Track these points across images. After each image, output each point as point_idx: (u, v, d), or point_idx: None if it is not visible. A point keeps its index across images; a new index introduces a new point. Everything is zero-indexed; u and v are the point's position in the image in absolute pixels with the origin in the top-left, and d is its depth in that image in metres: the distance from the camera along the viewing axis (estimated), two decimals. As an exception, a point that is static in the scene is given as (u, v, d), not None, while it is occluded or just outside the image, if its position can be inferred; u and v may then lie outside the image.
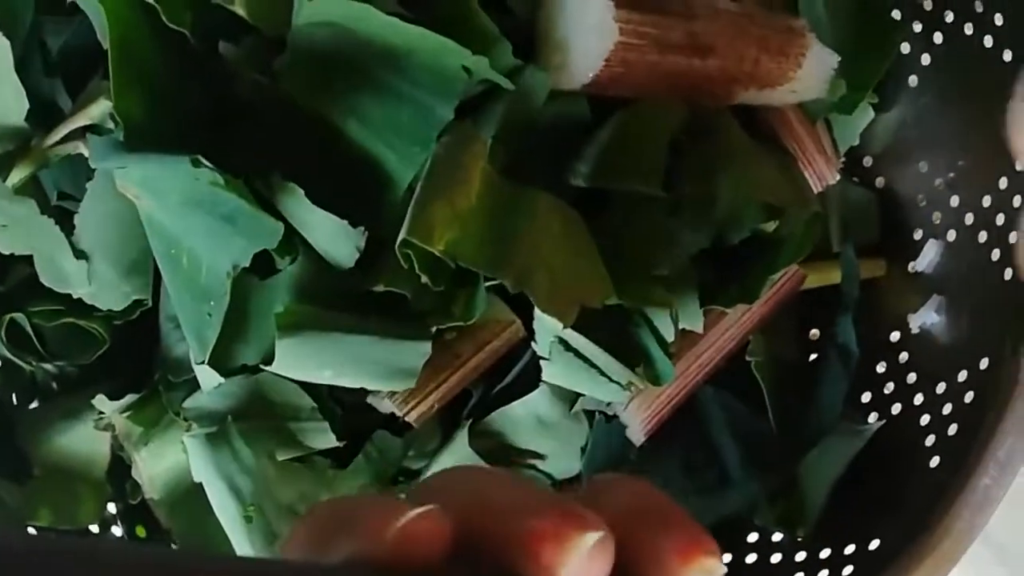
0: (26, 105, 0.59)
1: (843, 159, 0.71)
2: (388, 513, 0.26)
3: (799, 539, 0.67)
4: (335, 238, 0.56)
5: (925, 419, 0.66)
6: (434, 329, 0.59)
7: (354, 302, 0.59)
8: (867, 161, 0.73)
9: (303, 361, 0.57)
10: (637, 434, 0.66)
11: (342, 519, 0.27)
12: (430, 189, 0.55)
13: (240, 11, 0.56)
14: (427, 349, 0.58)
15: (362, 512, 0.27)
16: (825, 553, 0.65)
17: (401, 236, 0.53)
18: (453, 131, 0.56)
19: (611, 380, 0.61)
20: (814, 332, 0.74)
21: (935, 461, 0.63)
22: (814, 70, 0.63)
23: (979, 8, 0.63)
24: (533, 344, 0.61)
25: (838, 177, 0.68)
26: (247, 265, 0.54)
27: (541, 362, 0.61)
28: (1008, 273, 0.62)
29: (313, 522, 0.28)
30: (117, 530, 0.69)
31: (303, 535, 0.28)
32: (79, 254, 0.61)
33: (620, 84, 0.58)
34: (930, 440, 0.64)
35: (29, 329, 0.64)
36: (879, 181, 0.72)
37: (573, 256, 0.58)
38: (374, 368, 0.58)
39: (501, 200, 0.58)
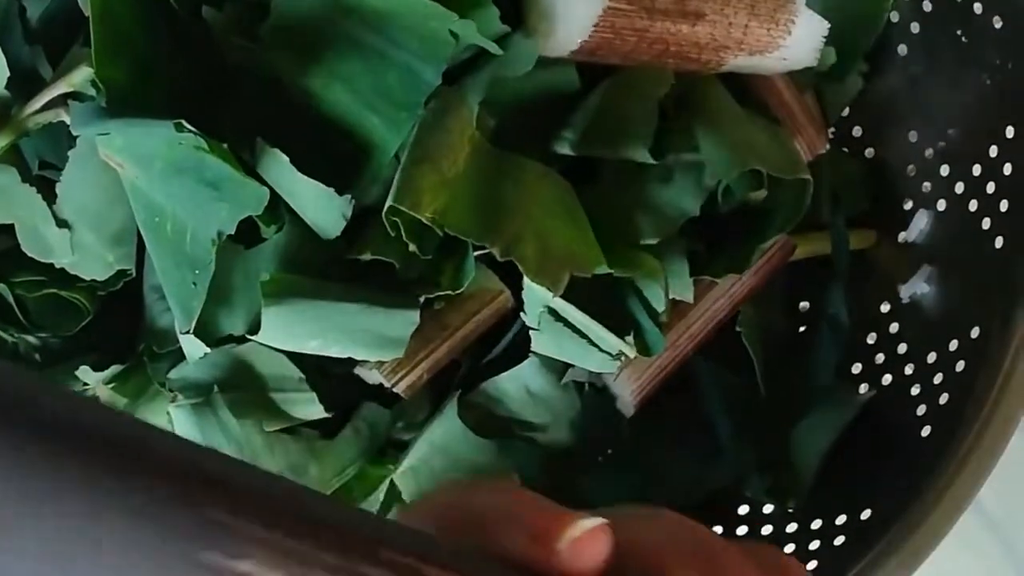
0: (6, 73, 0.58)
1: (833, 129, 0.70)
2: (557, 519, 0.24)
3: (790, 510, 0.67)
4: (321, 206, 0.56)
5: (916, 389, 0.65)
6: (422, 299, 0.59)
7: (340, 271, 0.58)
8: (857, 131, 0.73)
9: (289, 330, 0.57)
10: (628, 405, 0.66)
11: (487, 512, 0.26)
12: (417, 155, 0.54)
13: (222, -25, 0.55)
14: (415, 318, 0.58)
15: (521, 510, 0.25)
16: (816, 524, 0.65)
17: (388, 203, 0.53)
18: (440, 97, 0.56)
19: (601, 350, 0.61)
20: (804, 304, 0.74)
21: (926, 431, 0.63)
22: (804, 37, 0.62)
23: (969, -26, 0.63)
24: (522, 314, 0.60)
25: (828, 147, 0.68)
26: (232, 232, 0.54)
27: (530, 332, 0.60)
28: (999, 242, 0.62)
29: (445, 508, 0.26)
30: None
31: (429, 519, 0.26)
32: (61, 223, 0.60)
33: (608, 51, 0.58)
34: (921, 410, 0.64)
35: (11, 300, 0.63)
36: (869, 151, 0.72)
37: (563, 224, 0.58)
38: (362, 337, 0.57)
39: (490, 167, 0.57)
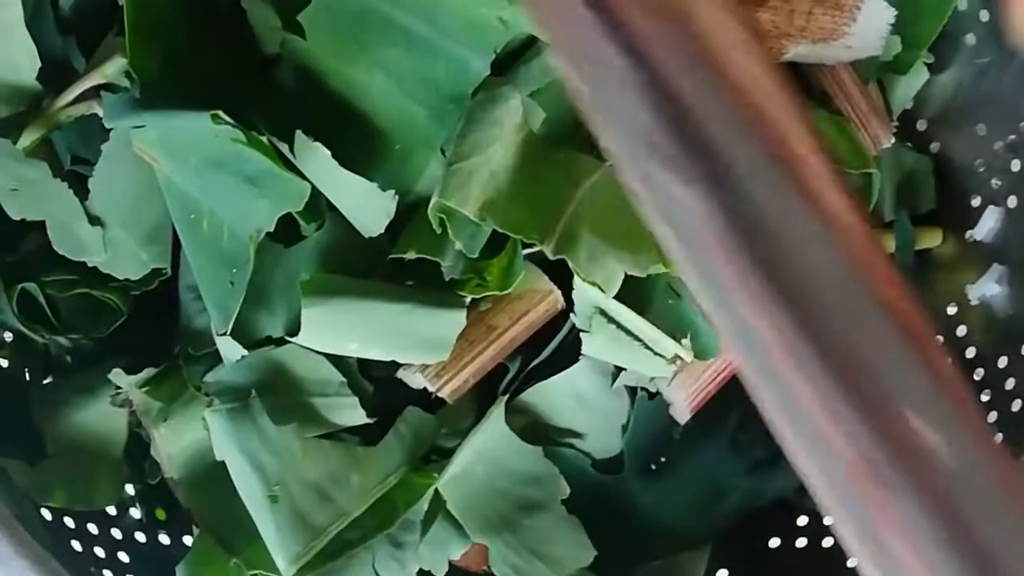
0: (38, 64, 0.56)
1: (896, 122, 0.67)
2: None
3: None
4: (364, 202, 0.53)
5: (986, 395, 0.62)
6: (468, 299, 0.56)
7: (383, 270, 0.56)
8: (921, 124, 0.69)
9: (329, 332, 0.54)
10: (682, 411, 0.63)
11: None
12: (465, 149, 0.52)
13: (262, -40, 0.53)
14: (461, 319, 0.55)
15: None
16: (880, 536, 0.62)
17: (434, 199, 0.51)
18: (487, 87, 0.53)
19: (655, 354, 0.58)
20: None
21: (998, 438, 0.60)
22: (870, 24, 0.59)
23: (1045, -42, 0.59)
24: (572, 316, 0.58)
25: (892, 140, 0.65)
26: (271, 229, 0.51)
27: (581, 335, 0.58)
28: (1075, 240, 0.59)
29: None
30: (135, 512, 0.66)
31: None
32: (94, 220, 0.58)
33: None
34: (992, 417, 0.61)
35: (42, 300, 0.61)
36: (934, 146, 0.69)
37: (616, 221, 0.55)
38: (405, 339, 0.55)
39: (540, 161, 0.55)
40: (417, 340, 0.55)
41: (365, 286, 0.55)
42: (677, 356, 0.58)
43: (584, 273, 0.52)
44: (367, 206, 0.53)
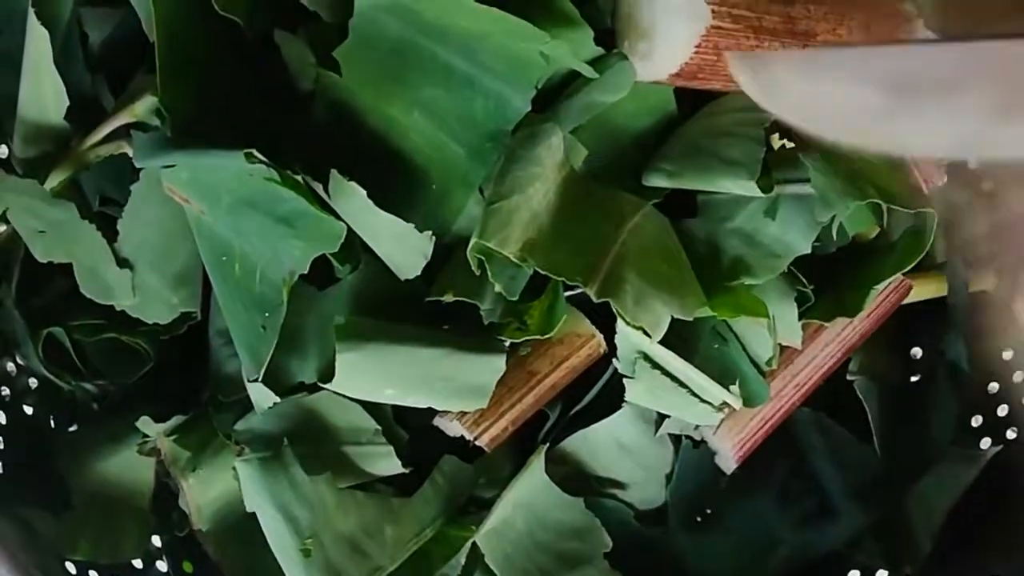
0: (66, 102, 0.55)
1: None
2: None
3: (907, 577, 0.61)
4: (400, 244, 0.52)
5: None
6: (507, 343, 0.55)
7: (419, 313, 0.54)
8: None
9: (364, 378, 0.53)
10: (728, 461, 0.61)
11: None
12: (504, 188, 0.50)
13: (298, -5, 0.51)
14: (501, 365, 0.54)
15: None
16: (936, 593, 0.60)
17: (473, 239, 0.49)
18: (528, 124, 0.52)
19: (701, 400, 0.56)
20: (916, 350, 0.69)
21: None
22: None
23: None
24: (615, 361, 0.56)
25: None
26: (305, 272, 0.50)
27: (624, 381, 0.56)
28: None
29: None
30: (162, 565, 0.64)
31: None
32: (122, 263, 0.56)
33: (711, 73, 0.53)
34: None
35: (69, 345, 0.60)
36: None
37: (661, 263, 0.54)
38: (442, 386, 0.53)
39: (583, 201, 0.53)
40: (455, 387, 0.53)
41: (401, 330, 0.53)
42: (725, 403, 0.56)
43: (630, 317, 0.50)
44: (403, 248, 0.52)
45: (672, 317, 0.52)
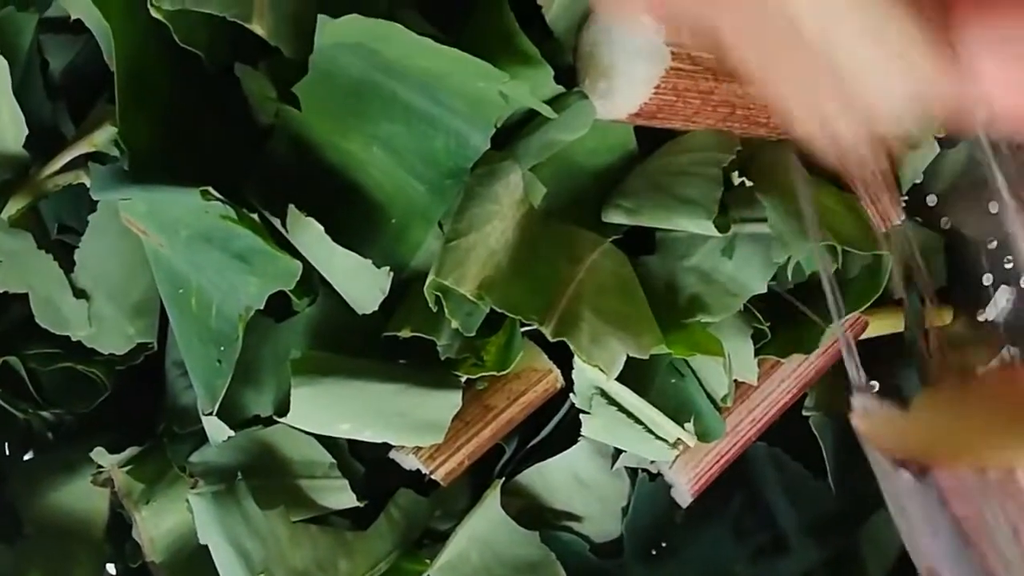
0: (24, 131, 0.55)
1: (905, 196, 0.65)
2: None
3: (860, 612, 0.62)
4: (357, 279, 0.52)
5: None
6: (464, 379, 0.54)
7: (377, 347, 0.54)
8: (931, 200, 0.67)
9: (320, 412, 0.52)
10: (684, 494, 0.61)
11: None
12: (463, 225, 0.50)
13: (259, 30, 0.51)
14: (457, 400, 0.54)
15: None
16: (889, 629, 0.60)
17: (430, 277, 0.49)
18: (487, 161, 0.52)
19: (657, 437, 0.56)
20: (874, 385, 0.69)
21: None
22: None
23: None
24: (572, 396, 0.56)
25: (903, 218, 0.63)
26: (261, 307, 0.50)
27: (581, 416, 0.56)
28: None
29: None
30: (116, 594, 0.64)
31: None
32: (79, 293, 0.56)
33: (670, 113, 0.54)
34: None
35: (24, 374, 0.59)
36: (944, 221, 0.67)
37: (618, 301, 0.54)
38: (398, 420, 0.53)
39: (540, 238, 0.53)
40: (411, 422, 0.53)
41: (357, 365, 0.53)
42: (680, 440, 0.56)
43: (585, 355, 0.51)
44: (361, 283, 0.52)
45: (628, 355, 0.52)
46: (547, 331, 0.50)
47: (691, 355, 0.55)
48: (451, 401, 0.54)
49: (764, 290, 0.55)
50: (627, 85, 0.52)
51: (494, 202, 0.51)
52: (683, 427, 0.56)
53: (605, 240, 0.55)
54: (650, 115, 0.53)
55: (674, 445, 0.56)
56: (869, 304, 0.59)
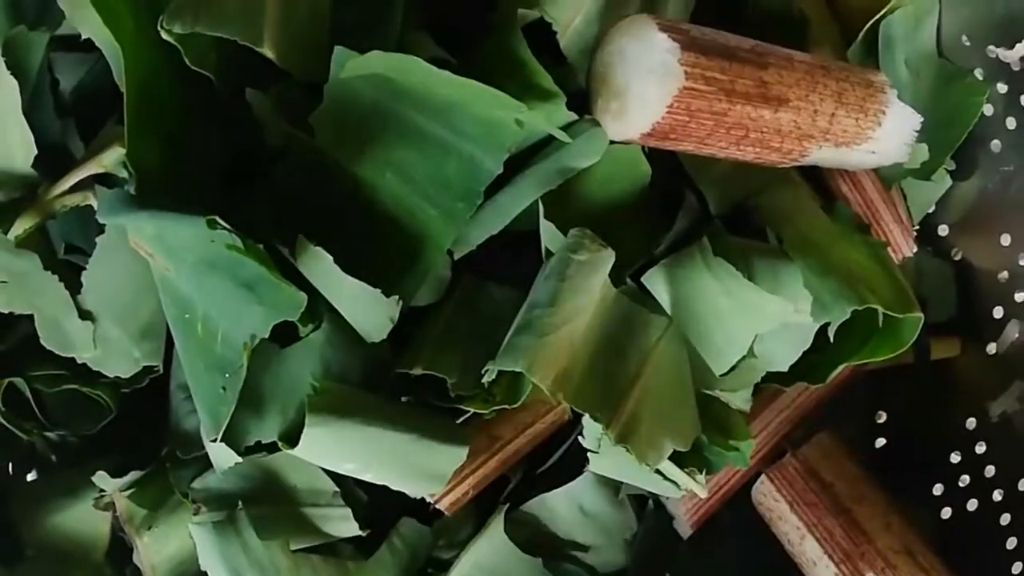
0: (34, 151, 0.54)
1: (917, 226, 0.65)
2: None
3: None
4: (366, 308, 0.51)
5: (1006, 518, 0.61)
6: (471, 413, 0.54)
7: (385, 377, 0.54)
8: (943, 230, 0.67)
9: (329, 449, 0.52)
10: (684, 526, 0.61)
11: None
12: (559, 318, 0.50)
13: (270, 54, 0.51)
14: (463, 455, 0.53)
15: None
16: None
17: (510, 365, 0.48)
18: (585, 248, 0.51)
19: (665, 479, 0.55)
20: (881, 414, 0.69)
21: (1017, 568, 0.58)
22: (895, 130, 0.57)
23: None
24: (580, 438, 0.55)
25: (915, 249, 0.63)
26: (266, 336, 0.49)
27: (588, 454, 0.55)
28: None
29: None
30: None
31: None
32: (85, 315, 0.56)
33: (683, 134, 0.53)
34: (1012, 543, 0.59)
35: (29, 395, 0.59)
36: (955, 253, 0.66)
37: (674, 403, 0.54)
38: (403, 467, 0.53)
39: (615, 323, 0.53)
40: (415, 470, 0.53)
41: (370, 405, 0.52)
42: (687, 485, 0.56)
43: (639, 456, 0.50)
44: (369, 311, 0.51)
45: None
46: (611, 435, 0.50)
47: (724, 442, 0.55)
48: (457, 456, 0.53)
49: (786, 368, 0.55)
50: (640, 105, 0.51)
51: (588, 293, 0.51)
52: (694, 479, 0.55)
53: (670, 322, 0.55)
54: (663, 135, 0.52)
55: (682, 488, 0.55)
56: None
